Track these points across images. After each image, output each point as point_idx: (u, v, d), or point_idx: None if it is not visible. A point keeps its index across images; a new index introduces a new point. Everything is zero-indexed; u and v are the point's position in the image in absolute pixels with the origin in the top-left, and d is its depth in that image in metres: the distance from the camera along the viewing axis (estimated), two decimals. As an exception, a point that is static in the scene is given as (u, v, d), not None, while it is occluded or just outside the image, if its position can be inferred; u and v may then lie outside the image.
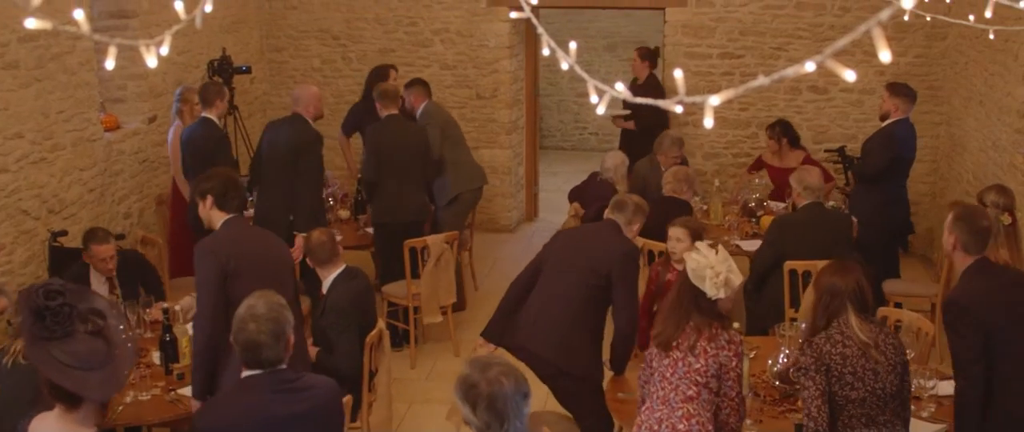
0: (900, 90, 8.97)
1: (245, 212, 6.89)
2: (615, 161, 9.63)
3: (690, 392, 5.08)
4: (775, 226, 8.24)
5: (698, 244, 5.29)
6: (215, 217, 6.07)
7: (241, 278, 5.83)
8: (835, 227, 8.08)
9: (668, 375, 5.12)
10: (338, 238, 9.36)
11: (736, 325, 5.53)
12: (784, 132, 10.53)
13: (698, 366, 5.06)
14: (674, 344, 5.11)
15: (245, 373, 4.37)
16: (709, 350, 5.05)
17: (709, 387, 5.09)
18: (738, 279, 5.15)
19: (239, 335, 4.32)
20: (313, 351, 6.91)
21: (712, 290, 5.05)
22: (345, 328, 6.84)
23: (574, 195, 10.07)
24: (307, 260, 7.24)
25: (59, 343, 3.64)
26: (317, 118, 9.03)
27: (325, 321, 6.90)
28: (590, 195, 9.60)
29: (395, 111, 9.33)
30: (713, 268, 5.05)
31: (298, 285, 6.64)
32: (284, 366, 4.38)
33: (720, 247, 5.24)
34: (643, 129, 11.22)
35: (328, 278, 7.05)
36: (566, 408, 6.72)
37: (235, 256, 5.89)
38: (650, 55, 11.78)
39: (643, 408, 5.28)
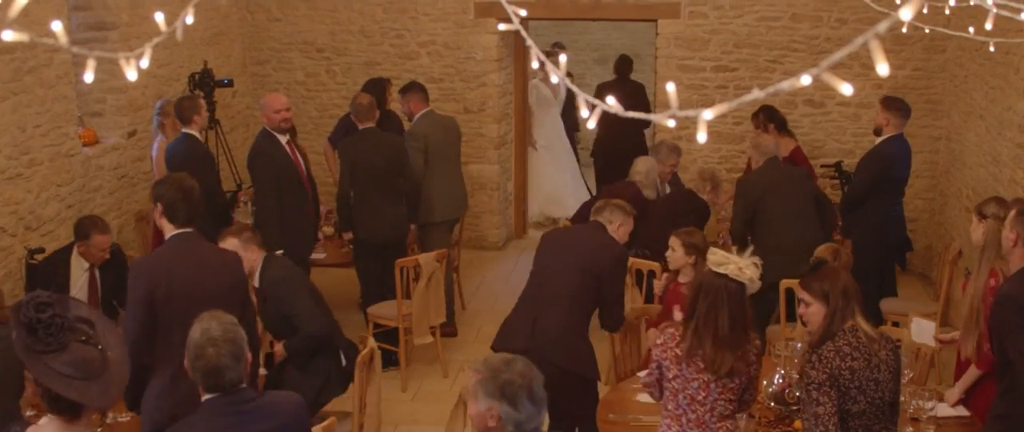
0: (893, 105, 8.99)
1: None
2: (647, 165, 9.64)
3: (727, 411, 5.14)
4: (739, 186, 8.92)
5: (714, 255, 5.23)
6: (165, 228, 5.90)
7: (172, 305, 5.63)
8: (797, 180, 8.91)
9: (700, 398, 5.11)
10: (321, 256, 9.44)
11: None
12: (769, 118, 10.43)
13: (733, 386, 5.11)
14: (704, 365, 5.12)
15: (206, 397, 4.33)
16: (742, 369, 5.09)
17: (739, 399, 5.15)
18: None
19: (197, 361, 4.26)
20: (278, 349, 6.98)
21: (755, 286, 5.17)
22: (295, 293, 6.99)
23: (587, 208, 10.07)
24: None
25: (56, 355, 3.66)
26: (283, 129, 8.95)
27: (272, 302, 6.99)
28: (617, 196, 9.64)
29: (372, 124, 9.31)
30: (755, 266, 5.13)
31: (252, 309, 6.34)
32: (244, 386, 4.35)
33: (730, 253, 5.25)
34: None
35: (255, 270, 7.08)
36: (562, 415, 6.78)
37: (167, 280, 5.68)
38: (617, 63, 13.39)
39: None
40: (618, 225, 6.92)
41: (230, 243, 6.91)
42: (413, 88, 10.00)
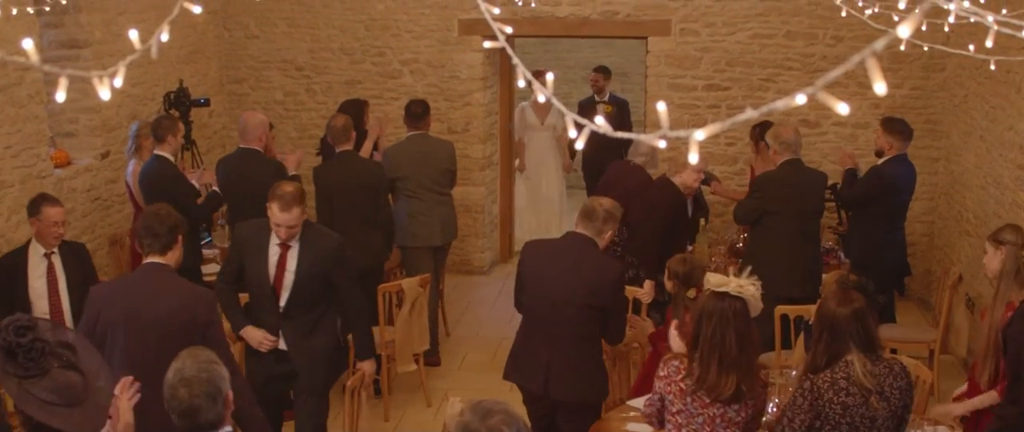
0: (894, 126, 9.01)
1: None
2: (647, 145, 9.62)
3: None
4: (760, 180, 8.99)
5: (712, 277, 5.24)
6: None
7: (116, 333, 5.68)
8: (815, 188, 8.96)
9: None
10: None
11: None
12: (765, 134, 10.39)
13: (739, 420, 5.11)
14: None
15: None
16: (748, 395, 5.09)
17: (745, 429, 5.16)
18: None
19: (172, 402, 4.14)
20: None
21: (757, 306, 5.17)
22: (347, 261, 7.19)
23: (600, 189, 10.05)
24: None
25: (37, 381, 3.64)
26: (265, 145, 9.07)
27: (322, 262, 6.99)
28: (632, 183, 9.47)
29: (349, 147, 9.27)
30: (754, 285, 5.13)
31: (226, 352, 6.06)
32: (229, 428, 4.25)
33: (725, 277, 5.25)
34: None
35: (298, 232, 6.98)
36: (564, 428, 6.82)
37: (111, 310, 5.75)
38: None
39: None
40: (610, 233, 6.84)
41: (294, 214, 6.77)
42: (416, 107, 9.96)
